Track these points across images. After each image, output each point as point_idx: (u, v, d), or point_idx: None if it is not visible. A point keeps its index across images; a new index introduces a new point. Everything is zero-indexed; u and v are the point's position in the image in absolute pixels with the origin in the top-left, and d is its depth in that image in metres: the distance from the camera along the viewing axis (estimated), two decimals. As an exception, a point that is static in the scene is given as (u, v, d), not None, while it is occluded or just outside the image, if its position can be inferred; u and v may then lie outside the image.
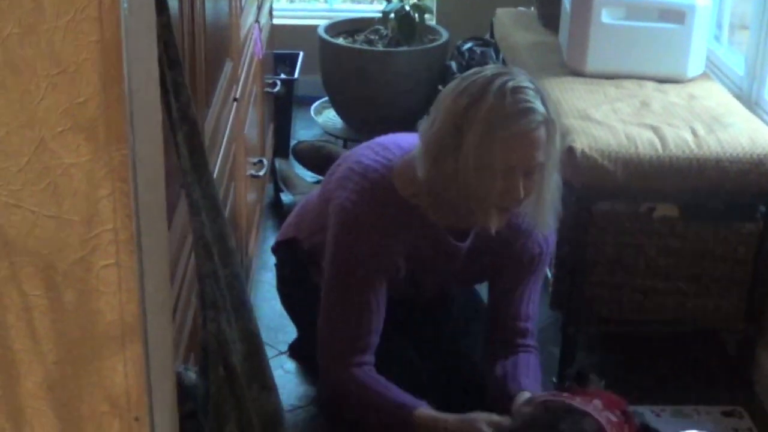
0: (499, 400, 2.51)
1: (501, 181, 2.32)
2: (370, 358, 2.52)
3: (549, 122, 2.33)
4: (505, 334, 2.64)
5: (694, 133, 2.99)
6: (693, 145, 2.93)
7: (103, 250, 1.08)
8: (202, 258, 1.37)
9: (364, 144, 2.67)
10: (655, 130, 3.00)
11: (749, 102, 3.35)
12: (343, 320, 2.51)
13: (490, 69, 2.41)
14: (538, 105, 2.31)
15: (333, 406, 2.60)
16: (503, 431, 2.33)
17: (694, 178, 2.91)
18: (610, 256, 3.01)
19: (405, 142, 2.60)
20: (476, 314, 2.93)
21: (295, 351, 3.10)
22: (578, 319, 3.07)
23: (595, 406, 2.25)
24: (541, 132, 2.31)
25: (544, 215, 2.46)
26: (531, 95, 2.31)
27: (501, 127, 2.28)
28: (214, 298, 1.38)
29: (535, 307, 2.68)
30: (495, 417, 2.37)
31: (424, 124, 2.46)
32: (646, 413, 2.49)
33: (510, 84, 2.31)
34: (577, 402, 2.28)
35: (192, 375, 1.57)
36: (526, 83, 2.33)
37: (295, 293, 2.95)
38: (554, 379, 3.04)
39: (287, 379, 3.02)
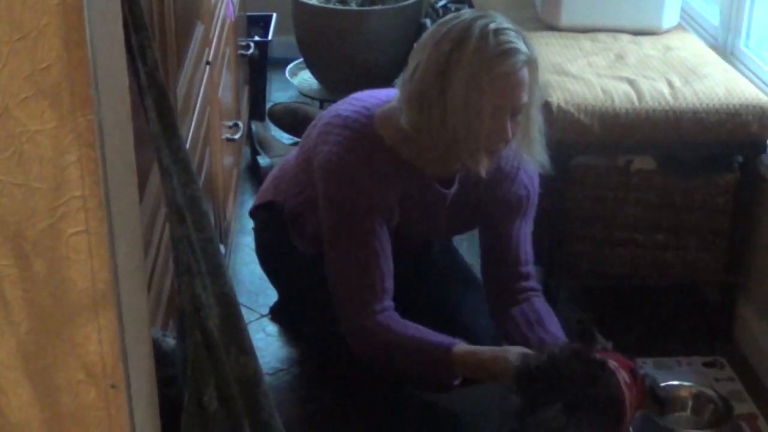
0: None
1: (489, 123, 2.33)
2: (390, 303, 2.51)
3: (532, 62, 2.36)
4: (508, 282, 2.65)
5: (670, 84, 2.99)
6: (669, 97, 2.93)
7: (72, 217, 1.06)
8: (174, 223, 1.36)
9: (339, 102, 2.67)
10: (631, 82, 3.00)
11: (725, 53, 3.34)
12: (354, 271, 2.50)
13: (467, 13, 2.42)
14: (521, 45, 2.33)
15: (365, 356, 2.55)
16: (530, 364, 2.30)
17: (671, 130, 2.91)
18: (589, 211, 3.01)
19: (380, 94, 2.61)
20: (456, 271, 2.94)
21: (276, 314, 3.10)
22: (558, 273, 3.08)
23: (612, 365, 2.23)
24: (525, 72, 2.34)
25: (534, 153, 2.48)
26: (513, 36, 2.33)
27: (487, 69, 2.30)
28: (188, 262, 1.36)
29: (530, 249, 2.69)
30: (528, 351, 2.35)
31: (403, 74, 2.46)
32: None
33: (491, 26, 2.32)
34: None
35: (170, 341, 1.56)
36: (507, 24, 2.35)
37: (274, 257, 2.94)
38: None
39: (269, 342, 3.01)
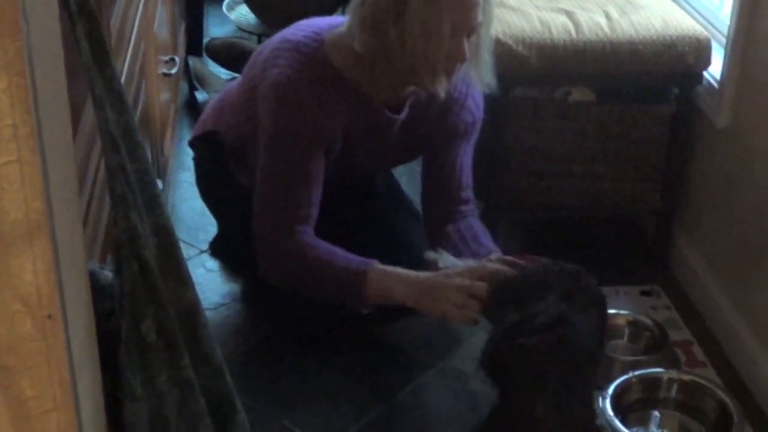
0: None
1: (447, 43, 2.34)
2: (310, 230, 2.52)
3: None
4: (448, 206, 2.69)
5: (608, 16, 2.99)
6: (606, 29, 2.93)
7: (3, 146, 1.05)
8: (109, 153, 1.35)
9: (285, 29, 2.64)
10: (568, 14, 3.00)
11: (661, -16, 3.35)
12: (283, 191, 2.51)
13: None
14: None
15: (274, 276, 2.58)
16: (481, 297, 2.36)
17: (608, 61, 2.92)
18: (528, 143, 3.02)
19: (327, 20, 2.61)
20: (400, 204, 2.95)
21: (215, 248, 3.08)
22: (498, 206, 3.09)
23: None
24: None
25: (483, 74, 2.50)
26: None
27: None
28: (123, 193, 1.35)
29: (470, 174, 2.73)
30: (466, 282, 2.38)
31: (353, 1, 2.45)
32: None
33: None
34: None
35: (108, 274, 1.55)
36: None
37: (214, 189, 2.92)
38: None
39: (209, 277, 3.01)
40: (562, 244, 3.22)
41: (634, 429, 2.44)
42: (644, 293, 3.05)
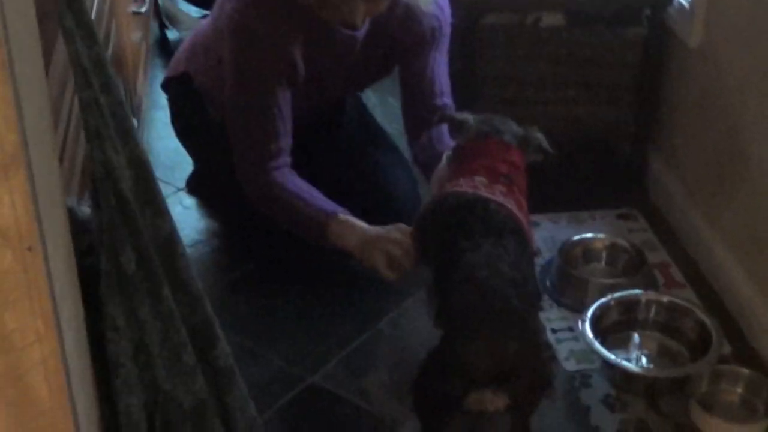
0: (428, 164, 2.62)
1: None
2: (286, 159, 2.58)
3: None
4: (424, 115, 2.68)
5: (578, -60, 2.98)
6: (576, -48, 2.93)
7: (-26, 78, 1.05)
8: (81, 86, 1.35)
9: None
10: (538, -61, 2.99)
11: None
12: (252, 127, 2.55)
13: None
14: None
15: (258, 207, 2.64)
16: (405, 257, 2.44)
17: (579, -15, 2.91)
18: (501, 70, 3.02)
19: None
20: (369, 130, 2.96)
21: (192, 186, 3.09)
22: (472, 134, 3.09)
23: (481, 184, 2.22)
24: None
25: None
26: None
27: None
28: (97, 126, 1.35)
29: (446, 81, 2.73)
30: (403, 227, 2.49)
31: None
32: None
33: None
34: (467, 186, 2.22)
35: (86, 210, 1.56)
36: None
37: (189, 127, 2.93)
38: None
39: (187, 214, 3.01)
40: (535, 170, 3.23)
41: (614, 351, 2.46)
42: (621, 216, 3.07)
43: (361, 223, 2.54)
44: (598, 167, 3.22)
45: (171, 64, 2.98)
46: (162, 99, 3.53)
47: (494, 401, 1.92)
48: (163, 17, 4.02)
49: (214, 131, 2.74)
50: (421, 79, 2.70)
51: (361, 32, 2.57)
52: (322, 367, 2.45)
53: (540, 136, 2.38)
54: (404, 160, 2.93)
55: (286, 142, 2.57)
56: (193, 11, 4.15)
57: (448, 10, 2.68)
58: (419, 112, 2.72)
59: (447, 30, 2.69)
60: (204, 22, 2.88)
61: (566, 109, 3.08)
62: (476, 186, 2.20)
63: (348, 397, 2.36)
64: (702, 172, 2.86)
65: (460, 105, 2.97)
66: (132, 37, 3.01)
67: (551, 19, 2.98)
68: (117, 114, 1.40)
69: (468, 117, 2.34)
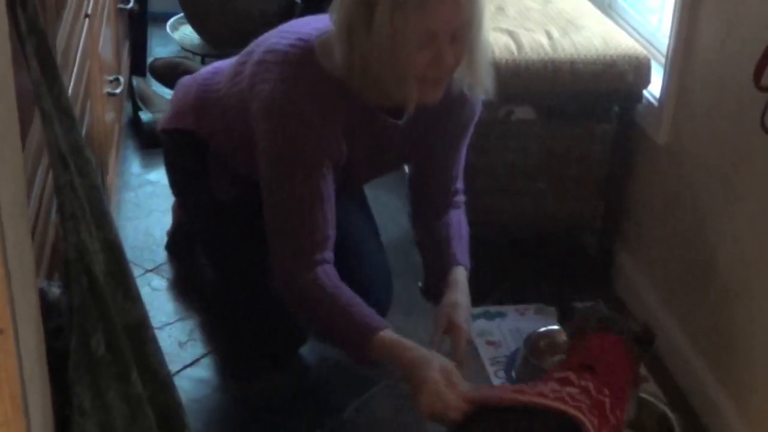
0: (434, 275, 2.59)
1: (425, 50, 2.18)
2: (330, 254, 2.35)
3: None
4: (439, 197, 2.63)
5: (549, 36, 3.03)
6: (548, 48, 2.97)
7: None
8: (58, 169, 1.36)
9: (269, 34, 2.49)
10: (510, 34, 3.04)
11: (602, 4, 3.40)
12: (294, 216, 2.32)
13: None
14: None
15: (292, 310, 2.41)
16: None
17: (550, 80, 2.96)
18: (472, 161, 3.03)
19: (316, 22, 2.42)
20: (363, 219, 2.94)
21: (172, 244, 3.09)
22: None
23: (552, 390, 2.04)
24: None
25: (480, 78, 2.36)
26: None
27: None
28: (72, 209, 1.36)
29: (462, 166, 2.66)
30: (452, 368, 2.17)
31: (333, 3, 2.29)
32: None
33: None
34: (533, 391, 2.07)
35: (56, 291, 1.56)
36: None
37: (185, 186, 2.85)
38: (420, 284, 3.08)
39: (155, 296, 3.00)
40: (505, 261, 3.26)
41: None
42: (587, 309, 3.08)
43: (406, 346, 2.22)
44: (566, 260, 3.24)
45: (175, 111, 2.79)
46: (133, 180, 3.55)
47: None
48: (137, 99, 4.05)
49: (209, 203, 2.70)
50: (449, 164, 2.61)
51: (403, 120, 2.38)
52: (286, 454, 2.44)
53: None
54: (383, 251, 2.91)
55: (331, 232, 2.35)
56: (167, 93, 4.18)
57: (480, 101, 2.56)
58: (435, 194, 2.63)
59: (476, 119, 2.60)
60: (217, 78, 2.68)
61: (535, 201, 3.11)
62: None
63: (313, 486, 2.35)
64: (669, 268, 2.88)
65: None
66: (106, 117, 3.03)
67: (523, 113, 3.02)
68: (92, 197, 1.41)
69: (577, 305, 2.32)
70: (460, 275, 2.53)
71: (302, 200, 2.31)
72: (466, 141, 2.62)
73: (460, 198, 2.67)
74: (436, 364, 2.16)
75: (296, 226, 2.32)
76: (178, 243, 3.12)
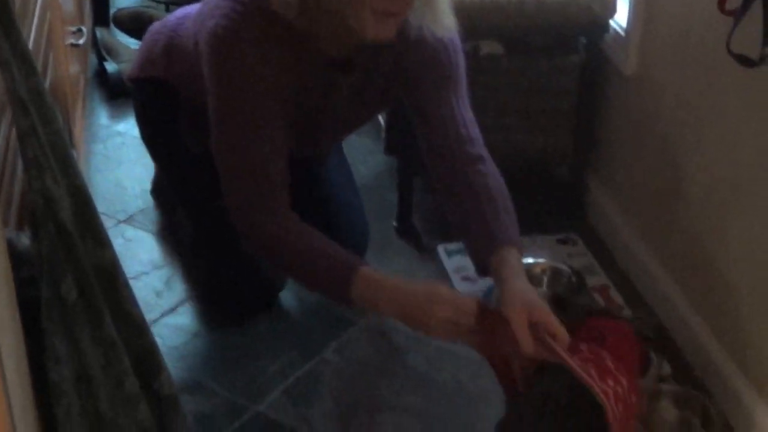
0: (478, 252, 2.25)
1: None
2: (287, 199, 2.24)
3: None
4: (452, 158, 2.34)
5: (514, -31, 3.02)
6: (512, -19, 2.96)
7: None
8: (19, 115, 1.34)
9: None
10: (475, -32, 3.02)
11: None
12: (246, 164, 2.22)
13: None
14: None
15: (257, 255, 2.32)
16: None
17: (516, 14, 2.94)
18: (440, 98, 3.04)
19: None
20: (349, 181, 2.92)
21: (155, 191, 3.07)
22: (413, 163, 3.11)
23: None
24: None
25: (439, 16, 2.24)
26: None
27: None
28: (35, 155, 1.35)
29: (475, 130, 2.37)
30: (458, 300, 2.06)
31: None
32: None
33: None
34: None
35: (25, 240, 1.55)
36: None
37: (157, 136, 2.82)
38: (394, 223, 3.10)
39: (129, 246, 2.99)
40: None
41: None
42: (561, 241, 3.10)
43: (391, 281, 2.13)
44: (538, 193, 3.25)
45: (145, 55, 2.72)
46: (101, 131, 3.54)
47: None
48: (101, 50, 4.01)
49: (181, 152, 2.69)
50: (446, 122, 2.35)
51: (353, 76, 2.34)
52: (266, 396, 2.44)
53: None
54: (359, 197, 2.90)
55: (287, 176, 2.25)
56: (132, 43, 4.15)
57: (457, 50, 2.38)
58: (444, 157, 2.35)
59: (459, 72, 2.39)
60: (181, 21, 2.62)
61: (505, 136, 3.10)
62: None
63: (293, 425, 2.36)
64: (640, 196, 2.90)
65: (400, 133, 3.00)
66: (70, 69, 3.00)
67: (489, 47, 3.01)
68: (56, 144, 1.40)
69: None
70: (515, 258, 2.19)
71: (251, 150, 2.22)
72: (459, 94, 2.38)
73: (486, 167, 2.36)
74: (433, 287, 2.09)
75: (248, 177, 2.23)
76: (160, 190, 3.11)
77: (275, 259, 2.28)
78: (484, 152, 2.37)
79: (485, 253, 2.20)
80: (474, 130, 2.38)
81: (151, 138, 2.87)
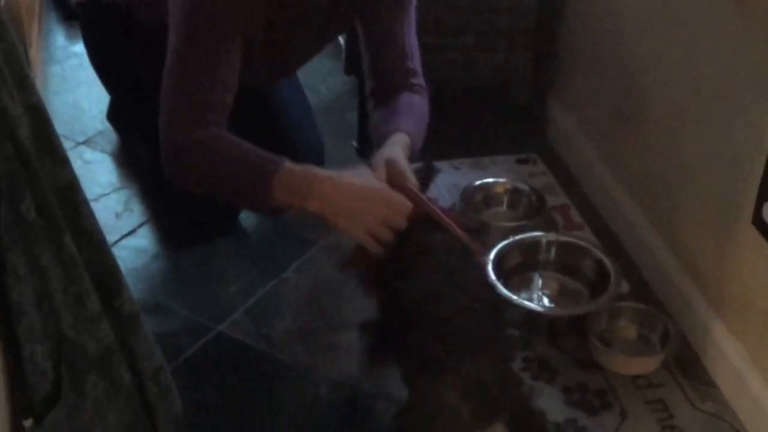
0: (375, 138, 2.32)
1: None
2: (224, 119, 2.17)
3: None
4: (388, 79, 2.42)
5: None
6: None
7: None
8: (-28, 32, 1.33)
9: None
10: None
11: None
12: (193, 75, 2.16)
13: None
14: None
15: (178, 170, 2.20)
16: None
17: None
18: (399, 17, 3.02)
19: None
20: (300, 99, 2.90)
21: (111, 115, 3.04)
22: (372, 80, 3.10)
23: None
24: None
25: None
26: None
27: None
28: (-9, 72, 1.34)
29: (415, 45, 2.45)
30: (393, 198, 2.06)
31: None
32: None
33: None
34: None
35: (-18, 160, 1.54)
36: None
37: (107, 59, 2.81)
38: (354, 143, 3.09)
39: (88, 168, 2.98)
40: (437, 117, 3.25)
41: (517, 292, 2.50)
42: (521, 161, 3.11)
43: (323, 173, 2.10)
44: (497, 113, 3.25)
45: None
46: (58, 53, 3.50)
47: None
48: (57, -31, 3.95)
49: (132, 63, 2.65)
50: (393, 38, 2.42)
51: None
52: (228, 316, 2.46)
53: None
54: (312, 115, 2.89)
55: (230, 99, 2.19)
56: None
57: None
58: (388, 74, 2.42)
59: None
60: None
61: (464, 56, 3.10)
62: None
63: (255, 344, 2.37)
64: (599, 114, 2.90)
65: (359, 54, 2.98)
66: (26, -11, 2.97)
67: (448, -35, 3.00)
68: (11, 61, 1.38)
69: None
70: (400, 138, 2.25)
71: (204, 61, 2.17)
72: (408, 19, 2.45)
73: (419, 82, 2.43)
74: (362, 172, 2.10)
75: (193, 85, 2.17)
76: (115, 114, 3.08)
77: (194, 169, 2.18)
78: (421, 75, 2.43)
79: (379, 138, 2.25)
80: (416, 54, 2.44)
81: (100, 64, 2.86)
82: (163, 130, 2.17)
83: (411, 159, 2.23)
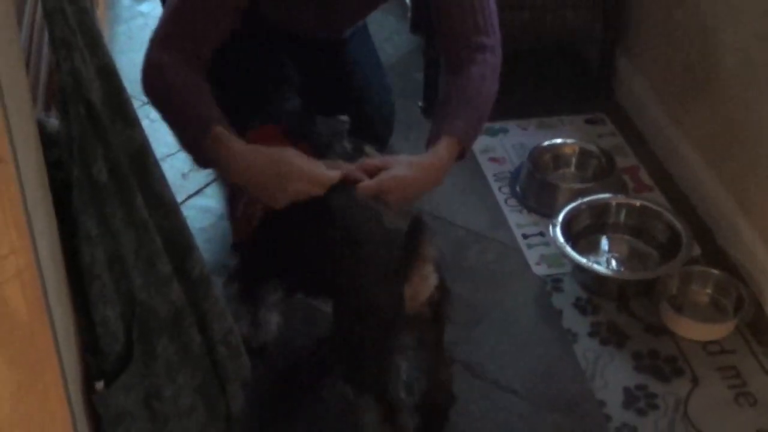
0: (430, 132, 2.22)
1: None
2: (204, 54, 2.20)
3: None
4: (456, 41, 2.30)
5: None
6: None
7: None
8: (45, -7, 1.32)
9: None
10: None
11: None
12: (183, 14, 2.19)
13: None
14: None
15: (145, 76, 2.23)
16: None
17: None
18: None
19: None
20: (373, 60, 2.83)
21: None
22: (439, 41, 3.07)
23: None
24: None
25: None
26: None
27: None
28: (64, 35, 1.32)
29: (486, 19, 2.31)
30: (312, 173, 2.02)
31: None
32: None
33: None
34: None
35: (54, 122, 1.53)
36: None
37: None
38: (420, 103, 3.07)
39: (154, 128, 2.94)
40: (505, 77, 3.22)
41: (585, 255, 2.48)
42: (589, 121, 3.07)
43: (240, 145, 2.09)
44: (566, 73, 3.22)
45: None
46: (124, 12, 3.50)
47: None
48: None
49: None
50: (462, 10, 2.28)
51: None
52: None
53: None
54: (386, 83, 2.81)
55: (208, 48, 2.21)
56: None
57: None
58: (456, 34, 2.29)
59: None
60: None
61: (533, 15, 3.05)
62: None
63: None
64: (670, 75, 2.85)
65: (426, 11, 2.95)
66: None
67: (518, -77, 2.95)
68: (83, 23, 1.37)
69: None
70: (441, 149, 2.15)
71: (201, 11, 2.19)
72: None
73: (489, 42, 2.31)
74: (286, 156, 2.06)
75: (180, 24, 2.19)
76: None
77: (156, 91, 2.23)
78: (492, 42, 2.31)
79: (432, 138, 2.18)
80: (488, 7, 2.31)
81: None
82: (148, 43, 2.21)
83: (463, 155, 2.17)
